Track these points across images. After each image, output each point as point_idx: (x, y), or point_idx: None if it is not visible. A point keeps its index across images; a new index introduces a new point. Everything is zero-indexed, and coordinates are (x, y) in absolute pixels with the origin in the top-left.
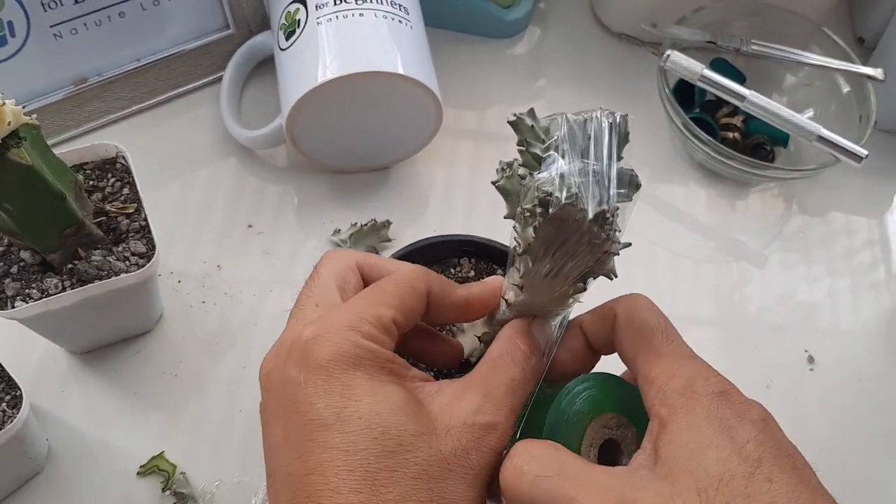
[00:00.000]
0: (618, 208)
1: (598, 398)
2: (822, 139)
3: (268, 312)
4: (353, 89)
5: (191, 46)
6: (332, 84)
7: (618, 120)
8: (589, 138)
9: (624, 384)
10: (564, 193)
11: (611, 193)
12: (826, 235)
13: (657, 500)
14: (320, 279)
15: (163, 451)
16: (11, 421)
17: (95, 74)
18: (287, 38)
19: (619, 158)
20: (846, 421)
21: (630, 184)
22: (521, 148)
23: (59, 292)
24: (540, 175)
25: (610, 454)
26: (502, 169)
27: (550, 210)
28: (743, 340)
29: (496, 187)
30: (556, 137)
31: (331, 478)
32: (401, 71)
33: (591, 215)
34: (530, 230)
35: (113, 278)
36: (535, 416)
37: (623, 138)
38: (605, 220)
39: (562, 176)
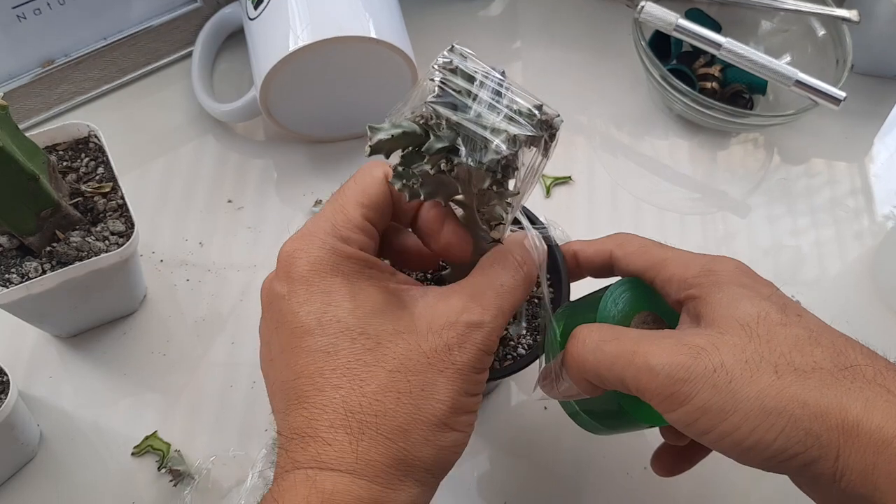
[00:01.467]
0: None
1: (636, 298)
2: (799, 83)
3: (253, 287)
4: (326, 56)
5: (158, 21)
6: (304, 51)
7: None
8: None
9: (651, 289)
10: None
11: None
12: (808, 181)
13: (708, 339)
14: (351, 188)
15: (156, 431)
16: None
17: (62, 55)
18: (255, 7)
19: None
20: None
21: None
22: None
23: (40, 275)
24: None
25: None
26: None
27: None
28: None
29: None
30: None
31: (315, 378)
32: (373, 35)
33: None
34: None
35: (93, 258)
36: (584, 318)
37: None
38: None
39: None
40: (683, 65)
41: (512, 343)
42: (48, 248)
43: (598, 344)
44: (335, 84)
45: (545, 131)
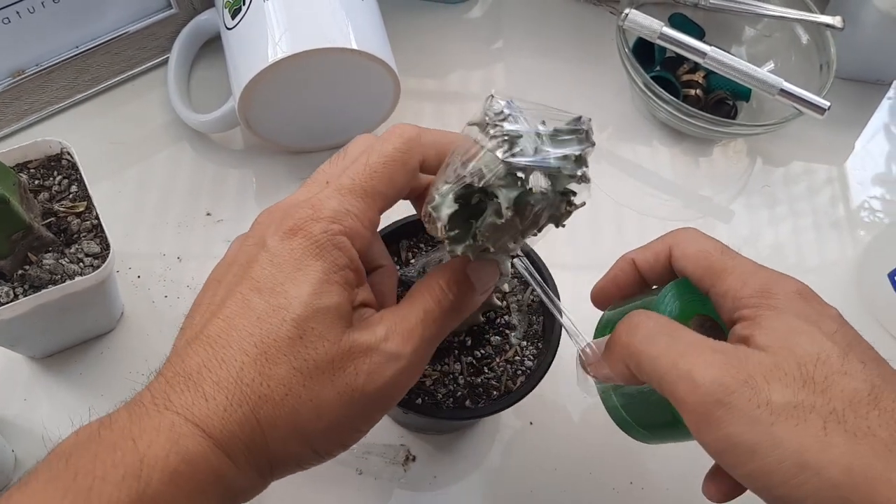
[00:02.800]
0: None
1: (692, 301)
2: (784, 92)
3: None
4: (306, 67)
5: (133, 29)
6: (284, 63)
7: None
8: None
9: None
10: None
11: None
12: (791, 188)
13: (760, 368)
14: (343, 159)
15: None
16: None
17: (34, 65)
18: (233, 17)
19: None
20: None
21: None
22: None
23: (11, 300)
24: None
25: None
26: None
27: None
28: None
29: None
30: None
31: (233, 331)
32: (354, 46)
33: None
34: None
35: (67, 282)
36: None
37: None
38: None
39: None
40: (667, 71)
41: (518, 358)
42: (20, 272)
43: (652, 333)
44: (315, 94)
45: (590, 142)
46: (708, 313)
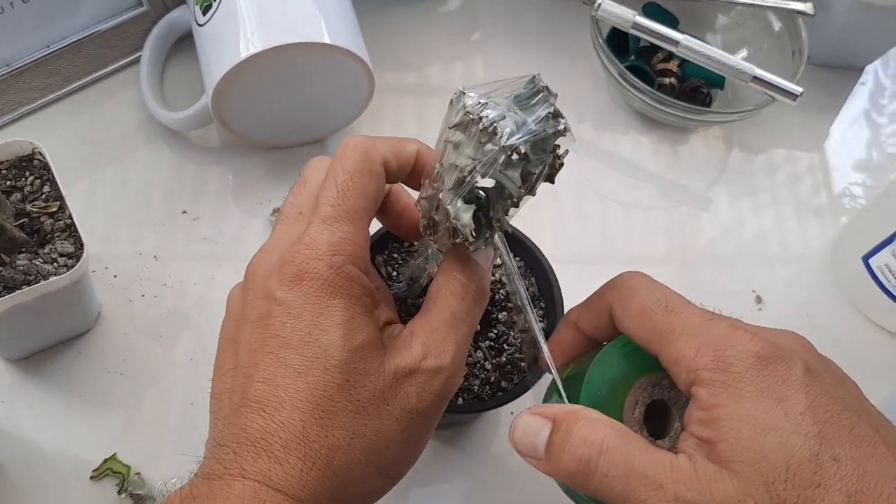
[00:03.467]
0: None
1: (635, 362)
2: (757, 79)
3: (210, 301)
4: (279, 62)
5: (104, 27)
6: (256, 59)
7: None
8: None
9: None
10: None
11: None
12: (769, 173)
13: (728, 499)
14: (305, 187)
15: (115, 453)
16: None
17: (4, 65)
18: (204, 13)
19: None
20: None
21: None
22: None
23: None
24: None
25: (659, 416)
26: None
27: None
28: (691, 286)
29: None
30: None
31: (280, 391)
32: (327, 40)
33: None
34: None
35: (42, 283)
36: (578, 374)
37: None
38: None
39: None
40: (642, 60)
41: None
42: None
43: (588, 460)
44: (289, 90)
45: (553, 94)
46: (654, 369)
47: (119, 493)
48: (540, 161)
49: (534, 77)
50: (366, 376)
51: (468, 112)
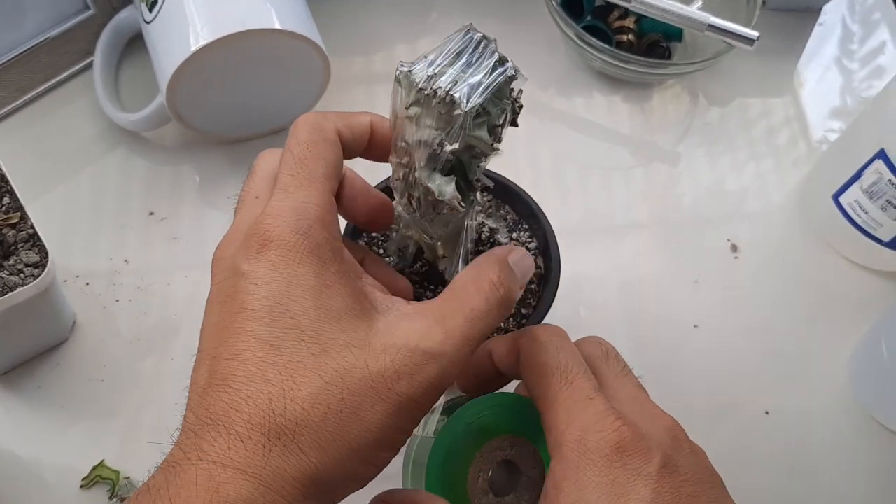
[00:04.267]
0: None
1: (489, 421)
2: (712, 27)
3: (185, 299)
4: (231, 52)
5: (53, 34)
6: (207, 50)
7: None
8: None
9: (525, 402)
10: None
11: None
12: (735, 121)
13: None
14: (256, 174)
15: (103, 460)
16: None
17: None
18: (150, 10)
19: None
20: (774, 300)
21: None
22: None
23: None
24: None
25: (509, 473)
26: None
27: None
28: (665, 241)
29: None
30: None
31: (249, 366)
32: (277, 26)
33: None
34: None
35: (9, 294)
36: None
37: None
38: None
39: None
40: (598, 20)
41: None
42: None
43: None
44: (244, 80)
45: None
46: (515, 429)
47: (110, 498)
48: (501, 111)
49: (467, 29)
50: (347, 347)
51: (421, 89)
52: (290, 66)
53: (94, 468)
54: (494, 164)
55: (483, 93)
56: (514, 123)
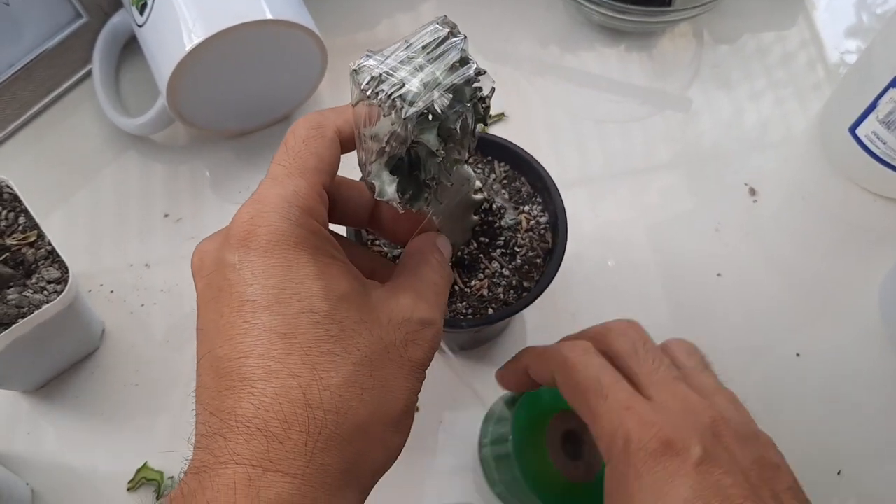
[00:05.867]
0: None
1: (548, 402)
2: None
3: None
4: (225, 47)
5: (49, 46)
6: (202, 48)
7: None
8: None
9: None
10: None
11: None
12: (743, 59)
13: None
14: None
15: (146, 462)
16: None
17: None
18: (141, 13)
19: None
20: (797, 240)
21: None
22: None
23: None
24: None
25: (573, 441)
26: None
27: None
28: (682, 190)
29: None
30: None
31: (267, 360)
32: (269, 16)
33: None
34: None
35: (35, 313)
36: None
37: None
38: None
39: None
40: None
41: (533, 221)
42: None
43: None
44: (243, 73)
45: (458, 35)
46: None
47: (157, 499)
48: (458, 114)
49: (436, 22)
50: (361, 324)
51: (363, 90)
52: (287, 54)
53: (139, 470)
54: (508, 129)
55: (435, 96)
56: (483, 121)
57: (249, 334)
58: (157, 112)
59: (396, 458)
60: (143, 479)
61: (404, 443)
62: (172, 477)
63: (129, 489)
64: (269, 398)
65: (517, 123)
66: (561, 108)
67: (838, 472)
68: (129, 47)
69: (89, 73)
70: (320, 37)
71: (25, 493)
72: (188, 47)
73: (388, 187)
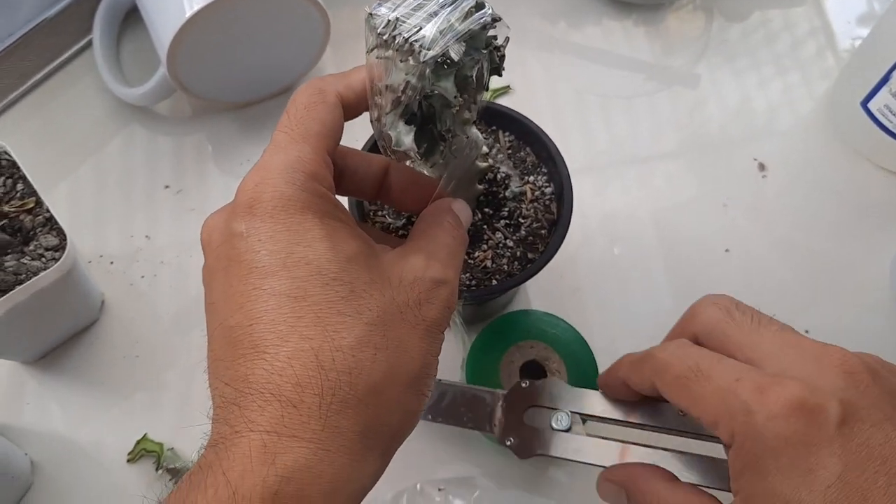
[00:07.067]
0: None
1: (510, 330)
2: None
3: None
4: (226, 14)
5: (49, 15)
6: (202, 15)
7: None
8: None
9: (554, 319)
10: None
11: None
12: (752, 37)
13: None
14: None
15: (146, 434)
16: None
17: None
18: None
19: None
20: (808, 215)
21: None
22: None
23: None
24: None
25: (535, 374)
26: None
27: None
28: (690, 166)
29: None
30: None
31: (278, 325)
32: None
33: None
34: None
35: (32, 279)
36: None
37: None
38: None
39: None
40: None
41: (538, 192)
42: None
43: None
44: (244, 42)
45: None
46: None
47: (157, 470)
48: (474, 61)
49: None
50: (372, 284)
51: (380, 34)
52: (289, 23)
53: (138, 442)
54: (512, 103)
55: (449, 41)
56: (497, 73)
57: (259, 300)
58: (158, 81)
59: (416, 421)
60: (143, 450)
61: (423, 405)
62: (172, 448)
63: (128, 460)
64: (280, 362)
65: (522, 97)
66: (567, 83)
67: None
68: (130, 17)
69: (90, 43)
70: (323, 5)
71: (25, 464)
72: (188, 13)
73: (405, 137)
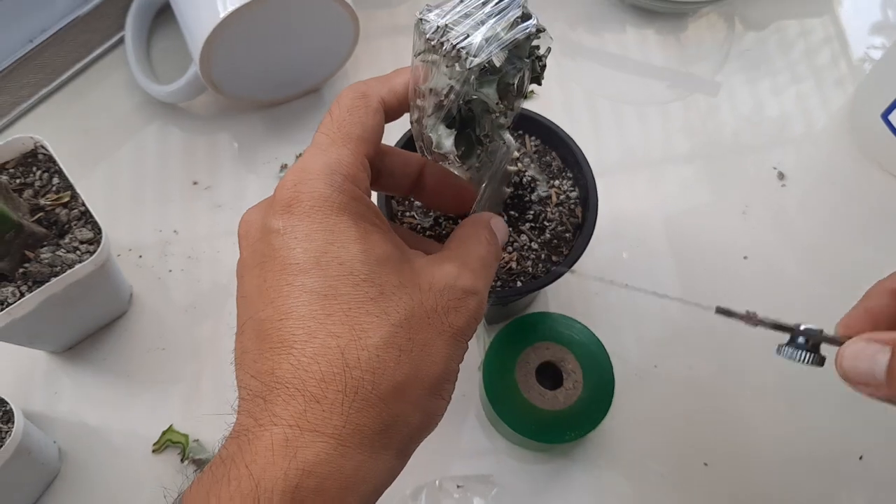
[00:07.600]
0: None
1: (527, 331)
2: None
3: (234, 264)
4: (259, 15)
5: (82, 12)
6: (236, 16)
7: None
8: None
9: (570, 321)
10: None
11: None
12: (780, 48)
13: None
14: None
15: (171, 425)
16: (9, 435)
17: None
18: None
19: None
20: (827, 225)
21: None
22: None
23: (19, 299)
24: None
25: (553, 376)
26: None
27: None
28: (709, 174)
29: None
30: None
31: (307, 321)
32: None
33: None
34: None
35: (68, 272)
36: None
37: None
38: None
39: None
40: None
41: (563, 196)
42: (21, 270)
43: None
44: (274, 43)
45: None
46: (555, 340)
47: (182, 461)
48: (516, 69)
49: None
50: (401, 288)
51: (429, 39)
52: (319, 24)
53: (164, 433)
54: (534, 108)
55: (494, 50)
56: (536, 81)
57: (291, 296)
58: (189, 80)
59: (436, 424)
60: (169, 441)
61: (444, 409)
62: (197, 440)
63: (154, 451)
64: (307, 358)
65: (542, 102)
66: (588, 90)
67: (860, 457)
68: (162, 15)
69: (122, 40)
70: (353, 7)
71: (53, 452)
72: (222, 14)
73: (446, 140)
